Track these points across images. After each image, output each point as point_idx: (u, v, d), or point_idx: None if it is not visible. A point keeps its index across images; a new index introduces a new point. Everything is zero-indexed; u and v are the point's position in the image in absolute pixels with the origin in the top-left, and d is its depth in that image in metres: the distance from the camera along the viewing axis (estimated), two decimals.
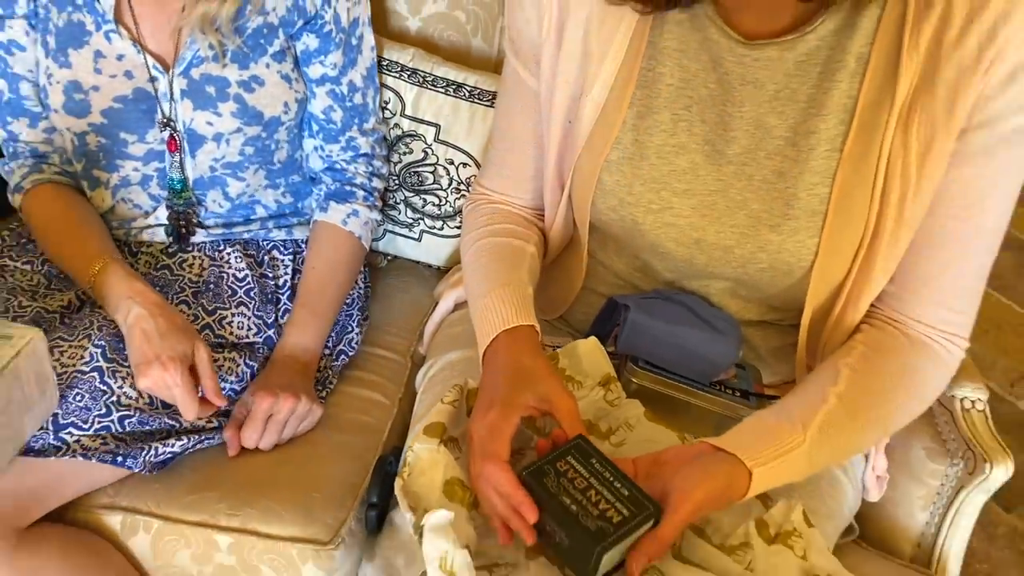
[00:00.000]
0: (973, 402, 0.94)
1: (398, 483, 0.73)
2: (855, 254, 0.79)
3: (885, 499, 0.96)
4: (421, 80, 1.15)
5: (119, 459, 0.89)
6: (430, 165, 1.17)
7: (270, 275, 1.10)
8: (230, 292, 1.06)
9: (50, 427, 0.89)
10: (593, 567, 0.65)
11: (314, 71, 1.04)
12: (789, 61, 0.76)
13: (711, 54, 0.78)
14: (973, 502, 0.91)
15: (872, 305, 0.83)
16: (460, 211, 1.19)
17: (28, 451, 0.87)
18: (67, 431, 0.89)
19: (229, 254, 1.08)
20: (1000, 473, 0.88)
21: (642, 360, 0.85)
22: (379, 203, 1.13)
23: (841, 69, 0.75)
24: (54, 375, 0.89)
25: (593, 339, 0.84)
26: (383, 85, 1.14)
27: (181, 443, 0.93)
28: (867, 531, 0.98)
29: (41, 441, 0.88)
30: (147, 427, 0.93)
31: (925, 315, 0.80)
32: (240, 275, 1.07)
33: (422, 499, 0.70)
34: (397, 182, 1.18)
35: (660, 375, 0.84)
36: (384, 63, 1.13)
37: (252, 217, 1.09)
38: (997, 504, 1.50)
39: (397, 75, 1.15)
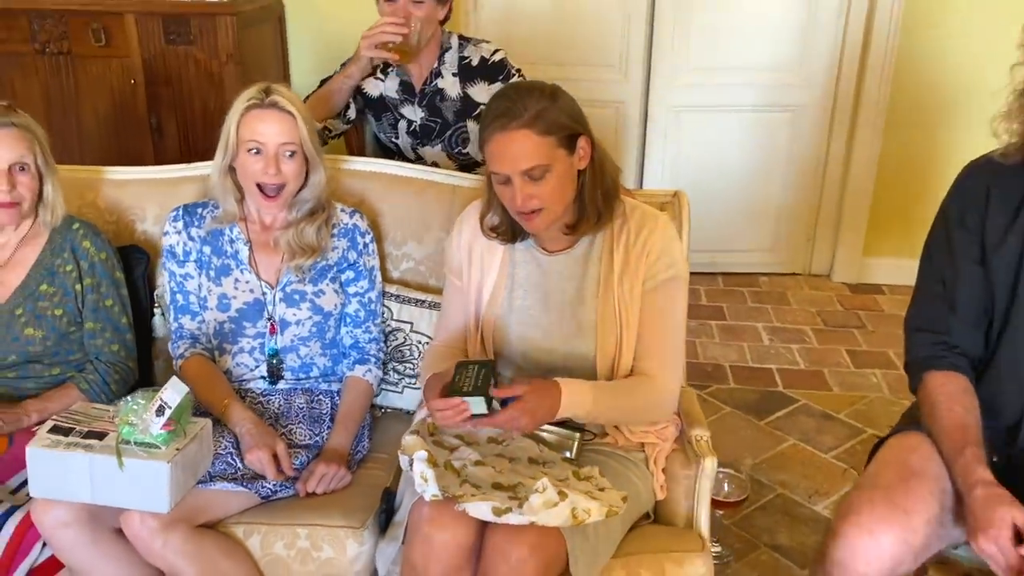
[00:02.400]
0: (701, 436, 1.75)
1: (400, 451, 1.52)
2: (616, 347, 1.66)
3: (667, 498, 1.74)
4: (403, 300, 2.04)
5: (243, 484, 1.67)
6: (408, 346, 2.04)
7: (317, 408, 1.92)
8: (295, 416, 1.88)
9: (207, 476, 1.67)
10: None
11: (351, 290, 1.94)
12: (569, 260, 1.69)
13: (536, 260, 1.71)
14: (704, 487, 1.70)
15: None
16: None
17: (197, 484, 1.64)
18: (214, 480, 1.67)
19: (295, 397, 1.91)
20: (709, 464, 1.68)
21: None
22: (382, 366, 1.98)
23: (592, 261, 1.67)
24: (212, 444, 1.69)
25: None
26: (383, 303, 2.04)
27: (273, 484, 1.70)
28: (661, 516, 1.76)
29: (202, 480, 1.65)
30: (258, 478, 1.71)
31: (650, 369, 1.65)
32: (301, 407, 1.89)
33: (410, 453, 1.49)
34: (388, 356, 2.04)
35: None
36: (384, 291, 2.04)
37: (310, 375, 1.93)
38: (795, 564, 2.23)
39: (389, 298, 2.04)
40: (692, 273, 3.97)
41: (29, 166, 1.82)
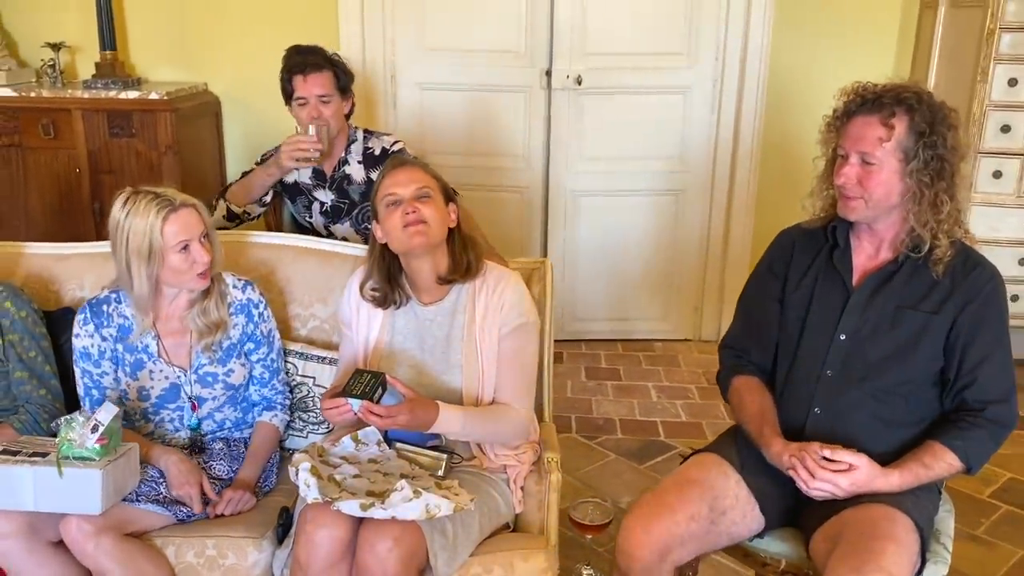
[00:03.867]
0: (552, 458, 2.09)
1: (289, 465, 1.84)
2: (479, 381, 2.01)
3: (524, 511, 2.07)
4: (306, 358, 2.37)
5: (165, 507, 1.96)
6: (311, 397, 2.36)
7: (236, 449, 2.22)
8: (216, 455, 2.18)
9: (133, 495, 1.96)
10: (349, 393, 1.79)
11: (254, 357, 2.24)
12: (440, 311, 2.05)
13: (414, 311, 2.07)
14: (552, 498, 2.03)
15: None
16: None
17: (123, 500, 1.93)
18: (140, 500, 1.97)
19: (214, 444, 2.21)
20: (555, 478, 2.02)
21: (397, 442, 2.01)
22: (289, 411, 2.29)
23: (458, 312, 2.04)
24: (139, 466, 1.99)
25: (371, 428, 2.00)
26: (286, 360, 2.36)
27: (189, 510, 2.00)
28: (519, 527, 2.08)
29: (131, 498, 1.95)
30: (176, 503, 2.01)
31: (506, 399, 2.01)
32: (221, 450, 2.20)
33: (296, 465, 1.81)
34: (293, 406, 2.36)
35: (404, 441, 2.00)
36: (287, 350, 2.36)
37: (224, 427, 2.24)
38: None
39: (293, 355, 2.37)
40: (593, 340, 4.38)
41: None
